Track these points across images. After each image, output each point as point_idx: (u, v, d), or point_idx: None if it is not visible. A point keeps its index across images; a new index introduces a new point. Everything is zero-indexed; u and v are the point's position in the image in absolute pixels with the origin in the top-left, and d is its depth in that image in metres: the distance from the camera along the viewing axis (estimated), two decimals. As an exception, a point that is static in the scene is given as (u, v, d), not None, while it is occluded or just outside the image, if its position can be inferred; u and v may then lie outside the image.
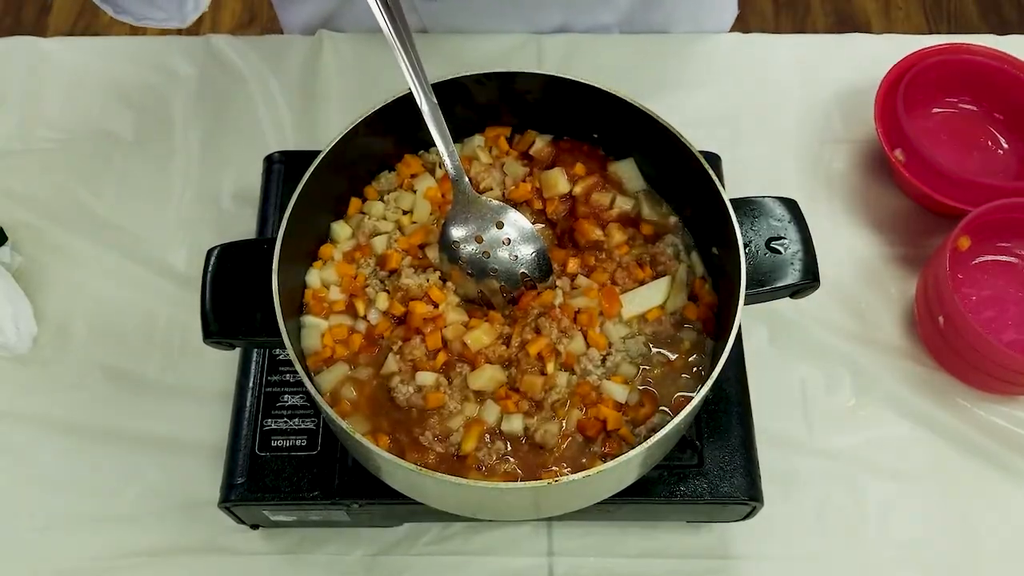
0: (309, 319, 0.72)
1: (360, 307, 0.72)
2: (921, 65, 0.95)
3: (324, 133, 0.70)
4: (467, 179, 0.71)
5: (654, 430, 0.65)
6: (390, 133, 0.76)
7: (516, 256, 0.72)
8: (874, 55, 1.01)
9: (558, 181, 0.77)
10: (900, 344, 0.89)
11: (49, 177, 0.97)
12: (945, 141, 0.97)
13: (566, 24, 1.06)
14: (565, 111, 0.77)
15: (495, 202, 0.72)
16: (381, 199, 0.77)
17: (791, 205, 0.71)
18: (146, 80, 1.03)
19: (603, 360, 0.71)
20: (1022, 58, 0.96)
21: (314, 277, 0.74)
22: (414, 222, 0.76)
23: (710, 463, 0.73)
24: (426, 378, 0.69)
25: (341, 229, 0.75)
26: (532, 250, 0.72)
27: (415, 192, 0.77)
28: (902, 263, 0.93)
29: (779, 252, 0.70)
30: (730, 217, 0.67)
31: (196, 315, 0.66)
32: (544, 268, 0.72)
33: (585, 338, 0.71)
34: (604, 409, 0.68)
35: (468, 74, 0.73)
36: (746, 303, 0.65)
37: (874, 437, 0.85)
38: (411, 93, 0.68)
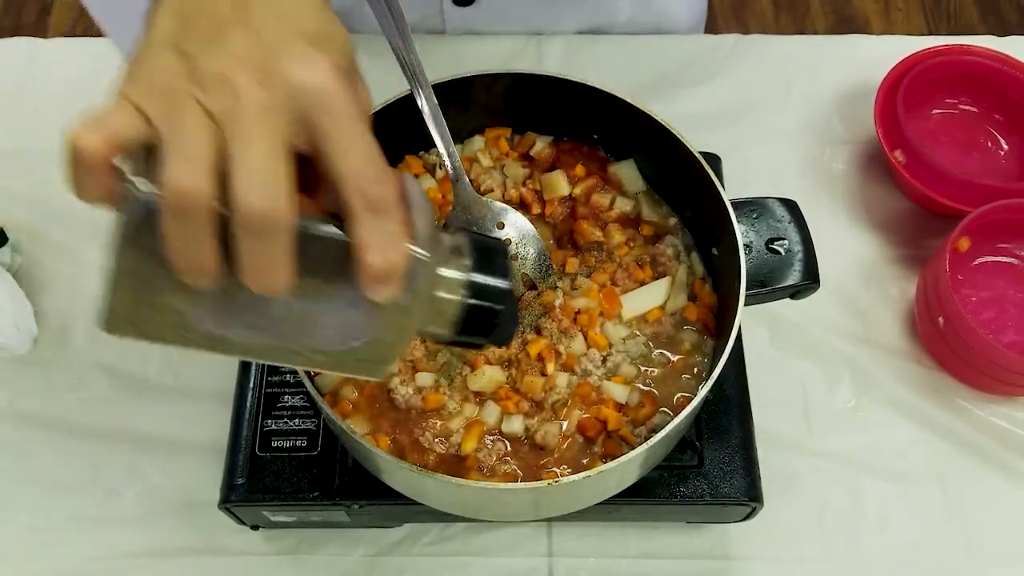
0: None
1: None
2: (921, 66, 0.95)
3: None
4: (467, 180, 0.71)
5: (654, 431, 0.65)
6: (390, 133, 0.76)
7: (517, 257, 0.72)
8: (874, 56, 1.01)
9: (559, 183, 0.77)
10: (900, 345, 0.89)
11: (50, 177, 0.96)
12: (945, 142, 0.98)
13: (590, 25, 1.06)
14: (565, 112, 0.77)
15: (496, 203, 0.72)
16: None
17: (791, 206, 0.71)
18: (146, 81, 1.03)
19: (603, 361, 0.71)
20: (1022, 59, 0.96)
21: None
22: None
23: (710, 464, 0.74)
24: (425, 379, 0.69)
25: None
26: (533, 251, 0.72)
27: None
28: (902, 264, 0.93)
29: (779, 253, 0.70)
30: (730, 218, 0.67)
31: (196, 316, 0.66)
32: (545, 269, 0.72)
33: (585, 339, 0.71)
34: (605, 410, 0.68)
35: (468, 75, 0.73)
36: (746, 304, 0.65)
37: (874, 438, 0.85)
38: (411, 94, 0.68)
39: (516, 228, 0.72)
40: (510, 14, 1.04)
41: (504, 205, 0.72)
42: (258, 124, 0.39)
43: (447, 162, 0.69)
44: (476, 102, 0.76)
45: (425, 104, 0.67)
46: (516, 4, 1.03)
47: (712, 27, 1.16)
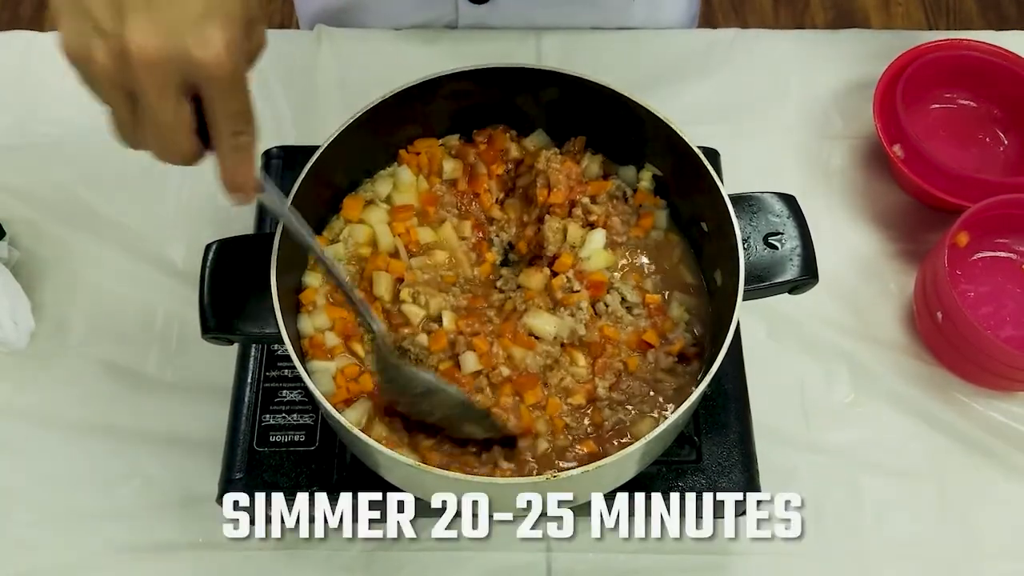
0: (316, 364, 0.70)
1: (359, 349, 0.71)
2: (920, 61, 0.95)
3: (323, 128, 0.71)
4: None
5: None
6: (388, 128, 0.76)
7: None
8: (873, 51, 1.01)
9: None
10: (899, 340, 0.89)
11: (47, 172, 0.97)
12: (944, 137, 0.97)
13: (602, 22, 1.06)
14: (563, 108, 0.77)
15: (423, 374, 0.69)
16: (338, 240, 0.76)
17: (790, 201, 0.71)
18: (144, 75, 1.03)
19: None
20: (1021, 54, 0.96)
21: (306, 325, 0.72)
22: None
23: (708, 459, 0.74)
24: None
25: (311, 279, 0.74)
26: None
27: (363, 223, 0.76)
28: (901, 259, 0.93)
29: (777, 248, 0.70)
30: (729, 213, 0.67)
31: (194, 310, 0.66)
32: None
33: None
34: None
35: (464, 69, 0.73)
36: (744, 299, 0.65)
37: (872, 433, 0.85)
38: (409, 90, 0.68)
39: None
40: (524, 11, 1.04)
41: (431, 378, 0.70)
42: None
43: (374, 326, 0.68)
44: (471, 98, 0.76)
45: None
46: (530, 1, 1.03)
47: (711, 22, 1.16)
